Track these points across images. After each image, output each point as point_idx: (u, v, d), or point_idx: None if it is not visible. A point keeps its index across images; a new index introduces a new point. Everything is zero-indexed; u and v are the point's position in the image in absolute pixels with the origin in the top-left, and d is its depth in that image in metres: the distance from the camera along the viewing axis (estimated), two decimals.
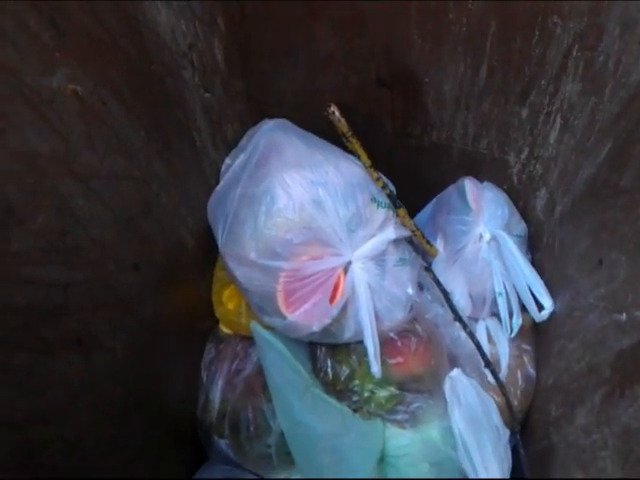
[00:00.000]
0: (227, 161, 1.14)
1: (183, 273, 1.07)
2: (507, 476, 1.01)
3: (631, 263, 0.73)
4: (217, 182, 1.12)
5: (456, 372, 1.02)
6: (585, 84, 0.89)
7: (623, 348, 0.72)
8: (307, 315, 1.01)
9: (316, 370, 1.13)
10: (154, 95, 0.88)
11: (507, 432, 1.01)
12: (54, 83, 0.65)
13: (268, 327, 1.07)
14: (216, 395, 1.15)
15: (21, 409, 0.65)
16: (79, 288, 0.73)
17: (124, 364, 0.86)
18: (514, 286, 1.11)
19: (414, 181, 1.13)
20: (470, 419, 1.00)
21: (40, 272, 0.66)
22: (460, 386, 1.00)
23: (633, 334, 0.70)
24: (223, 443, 1.13)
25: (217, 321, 1.23)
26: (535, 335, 1.14)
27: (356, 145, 1.01)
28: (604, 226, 0.84)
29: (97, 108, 0.73)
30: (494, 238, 1.10)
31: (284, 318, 1.02)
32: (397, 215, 1.05)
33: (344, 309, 1.03)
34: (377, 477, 1.05)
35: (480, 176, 1.17)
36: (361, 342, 1.08)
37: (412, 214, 1.08)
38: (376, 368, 1.01)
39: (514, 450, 1.03)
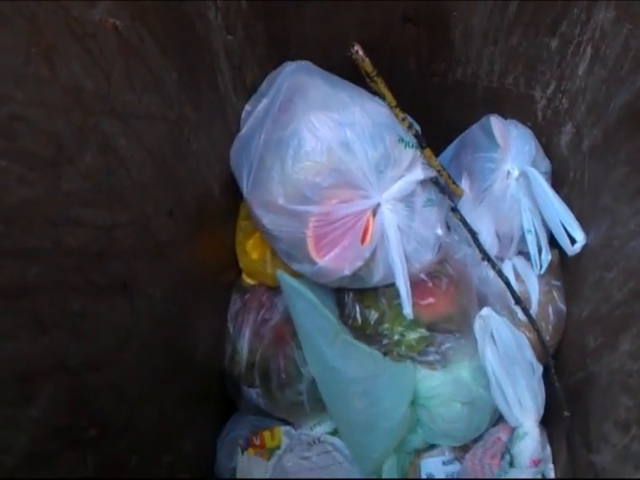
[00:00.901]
0: (247, 108, 1.12)
1: (210, 222, 1.06)
2: (541, 410, 1.02)
3: None
4: (239, 129, 1.10)
5: (487, 310, 1.02)
6: (619, 11, 0.88)
7: None
8: (338, 259, 1.01)
9: (344, 317, 1.13)
10: (185, 36, 0.86)
11: (540, 367, 1.02)
12: (96, 16, 0.63)
13: (295, 275, 1.06)
14: (244, 345, 1.15)
15: (76, 354, 0.65)
16: (122, 231, 0.73)
17: (162, 312, 0.87)
18: (542, 223, 1.11)
19: (436, 122, 1.11)
20: (504, 355, 1.01)
21: (87, 213, 0.66)
22: (493, 323, 1.00)
23: None
24: (253, 392, 1.13)
25: (241, 273, 1.23)
26: (563, 271, 1.14)
27: (381, 85, 1.00)
28: None
29: (135, 44, 0.72)
30: (522, 174, 1.09)
31: (314, 264, 1.02)
32: (423, 155, 1.04)
33: (373, 252, 1.02)
34: (410, 419, 1.06)
35: (504, 114, 1.16)
36: (389, 286, 1.08)
37: (434, 155, 1.07)
38: (408, 309, 1.01)
39: (547, 385, 1.04)
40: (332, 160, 0.96)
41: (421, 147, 1.03)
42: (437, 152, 1.09)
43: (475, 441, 1.10)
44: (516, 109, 1.16)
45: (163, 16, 0.78)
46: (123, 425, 0.76)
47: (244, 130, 1.09)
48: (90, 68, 0.63)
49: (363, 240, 1.00)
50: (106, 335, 0.71)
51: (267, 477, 1.06)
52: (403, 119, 1.01)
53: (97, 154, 0.66)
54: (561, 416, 1.00)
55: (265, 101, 1.06)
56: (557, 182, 1.14)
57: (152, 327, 0.83)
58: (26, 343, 0.57)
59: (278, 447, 1.11)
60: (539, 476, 1.01)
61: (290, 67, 1.07)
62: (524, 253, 1.16)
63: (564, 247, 1.05)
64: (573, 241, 1.04)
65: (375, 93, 1.02)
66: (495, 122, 1.13)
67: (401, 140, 1.01)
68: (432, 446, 1.12)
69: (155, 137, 0.80)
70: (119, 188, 0.71)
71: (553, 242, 1.12)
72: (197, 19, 0.89)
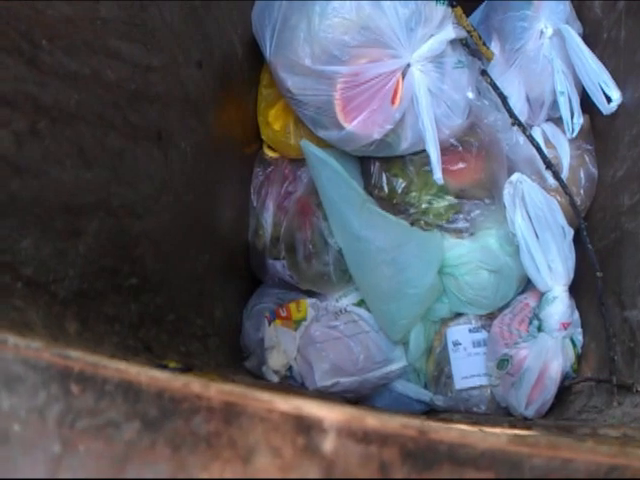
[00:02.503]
0: None
1: (235, 83, 1.05)
2: (571, 274, 1.02)
3: None
4: None
5: (518, 175, 1.01)
6: None
7: None
8: (367, 123, 0.98)
9: (370, 187, 1.11)
10: None
11: (571, 231, 1.01)
12: None
13: (319, 145, 1.03)
14: (268, 219, 1.14)
15: (117, 196, 0.64)
16: (156, 75, 0.72)
17: (193, 169, 0.86)
18: (575, 85, 1.08)
19: None
20: (535, 218, 1.00)
21: (125, 48, 0.64)
22: (525, 186, 0.99)
23: None
24: (279, 264, 1.12)
25: (263, 145, 1.20)
26: (595, 135, 1.12)
27: None
28: None
29: None
30: (556, 33, 1.05)
31: (342, 129, 0.99)
32: (454, 14, 1.00)
33: (402, 118, 0.99)
34: (437, 287, 1.06)
35: None
36: (417, 153, 1.06)
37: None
38: (439, 174, 0.99)
39: (577, 250, 1.03)
40: (361, 17, 0.92)
41: (452, 5, 0.99)
42: (466, 14, 1.04)
43: (501, 310, 1.10)
44: None
45: None
46: (160, 280, 0.76)
47: None
48: None
49: (393, 102, 0.97)
50: (143, 181, 0.71)
51: (295, 346, 1.07)
52: None
53: None
54: (591, 280, 0.99)
55: None
56: (589, 44, 1.08)
57: (183, 184, 0.82)
58: (71, 174, 0.56)
59: (304, 319, 1.11)
60: (567, 340, 1.02)
61: None
62: (553, 119, 1.13)
63: (600, 106, 1.02)
64: (609, 100, 1.01)
65: None
66: None
67: None
68: (458, 315, 1.12)
69: None
70: (152, 26, 0.70)
71: (583, 107, 1.09)
72: None
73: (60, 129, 0.53)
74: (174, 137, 0.77)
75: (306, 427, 0.32)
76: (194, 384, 0.31)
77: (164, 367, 0.43)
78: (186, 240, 0.85)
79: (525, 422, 0.84)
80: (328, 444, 0.31)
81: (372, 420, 0.32)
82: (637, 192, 0.92)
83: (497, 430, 0.59)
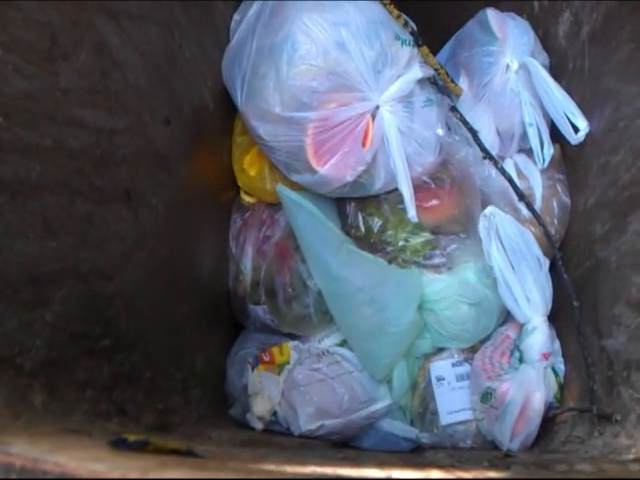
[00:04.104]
0: (236, 17, 1.09)
1: (207, 135, 1.05)
2: (549, 304, 1.03)
3: None
4: (229, 40, 1.07)
5: (491, 208, 1.02)
6: None
7: None
8: (339, 166, 0.99)
9: (347, 227, 1.12)
10: None
11: (547, 261, 1.02)
12: None
13: (294, 188, 1.05)
14: (247, 264, 1.14)
15: (85, 261, 0.65)
16: (122, 137, 0.72)
17: (166, 224, 0.86)
18: (543, 116, 1.09)
19: (430, 21, 1.07)
20: (510, 252, 1.01)
21: (86, 114, 0.65)
22: (498, 220, 1.00)
23: None
24: (260, 309, 1.12)
25: (240, 191, 1.21)
26: (566, 163, 1.14)
27: None
28: None
29: None
30: (522, 67, 1.07)
31: (315, 173, 1.00)
32: (420, 54, 1.02)
33: (374, 158, 1.01)
34: (417, 324, 1.07)
35: (498, 7, 1.13)
36: (391, 192, 1.07)
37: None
38: (413, 212, 1.00)
39: (553, 279, 1.04)
40: (328, 62, 0.93)
41: (418, 45, 1.01)
42: (433, 52, 1.06)
43: (483, 342, 1.11)
44: (511, 1, 1.14)
45: None
46: (136, 337, 0.76)
47: (234, 40, 1.05)
48: None
49: (364, 144, 0.99)
50: (113, 243, 0.70)
51: (279, 391, 1.07)
52: (398, 16, 0.99)
53: (92, 53, 0.65)
54: (569, 308, 1.00)
55: (255, 7, 1.03)
56: (556, 75, 1.11)
57: (157, 239, 0.82)
58: (35, 245, 0.56)
59: (287, 362, 1.11)
60: (549, 370, 1.02)
61: None
62: (525, 150, 1.15)
63: (567, 136, 1.04)
64: (576, 130, 1.03)
65: None
66: (492, 14, 1.10)
67: (397, 38, 0.98)
68: (441, 349, 1.13)
69: (148, 40, 0.78)
70: (115, 91, 0.70)
71: (554, 137, 1.11)
72: None
73: (21, 202, 0.53)
74: (144, 195, 0.78)
75: None
76: (131, 473, 0.32)
77: (123, 441, 0.43)
78: (163, 294, 0.85)
79: (505, 460, 0.84)
80: None
81: None
82: (608, 220, 0.93)
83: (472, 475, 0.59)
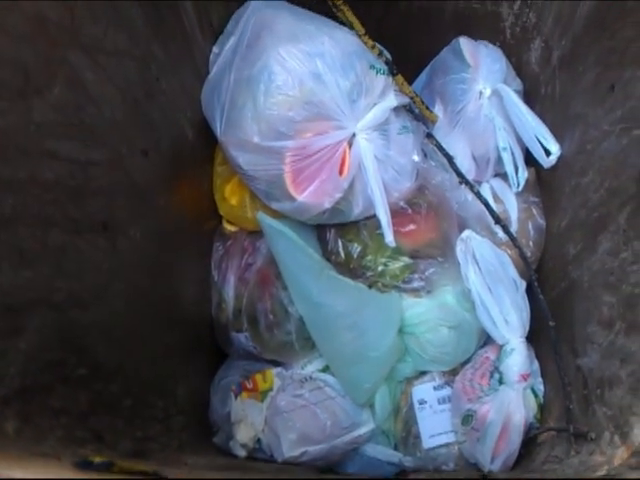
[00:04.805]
0: (215, 50, 1.11)
1: (186, 166, 1.06)
2: (527, 325, 1.04)
3: None
4: (207, 73, 1.09)
5: (468, 232, 1.04)
6: None
7: None
8: (317, 193, 1.01)
9: (327, 253, 1.14)
10: None
11: (524, 283, 1.04)
12: None
13: (275, 215, 1.06)
14: (230, 292, 1.15)
15: (60, 290, 0.65)
16: (98, 169, 0.73)
17: (145, 254, 0.87)
18: (517, 141, 1.12)
19: (405, 50, 1.10)
20: (487, 274, 1.02)
21: (62, 147, 0.66)
22: (474, 243, 1.02)
23: None
24: (242, 337, 1.13)
25: (221, 220, 1.22)
26: (541, 187, 1.16)
27: (348, 13, 1.00)
28: (613, 50, 0.85)
29: None
30: (495, 93, 1.10)
31: (294, 200, 1.02)
32: (395, 82, 1.04)
33: (352, 185, 1.03)
34: (398, 348, 1.08)
35: (472, 35, 1.16)
36: (370, 218, 1.09)
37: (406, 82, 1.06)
38: (390, 237, 1.02)
39: (531, 300, 1.06)
40: (304, 92, 0.95)
41: (392, 74, 1.03)
42: (408, 80, 1.08)
43: (464, 364, 1.12)
44: (484, 29, 1.16)
45: None
46: (114, 366, 0.76)
47: (213, 72, 1.08)
48: None
49: (341, 172, 1.01)
50: (89, 273, 0.71)
51: (262, 418, 1.07)
52: (373, 47, 1.01)
53: (66, 87, 0.66)
54: (547, 329, 1.01)
55: (232, 40, 1.05)
56: (529, 100, 1.15)
57: (135, 270, 0.83)
58: (9, 275, 0.57)
59: (271, 389, 1.11)
60: (528, 390, 1.03)
61: (255, 3, 1.05)
62: (501, 175, 1.18)
63: (540, 160, 1.07)
64: (548, 153, 1.06)
65: (343, 23, 1.01)
66: (464, 43, 1.13)
67: (372, 67, 1.01)
68: (422, 373, 1.14)
69: (124, 74, 0.79)
70: (90, 124, 0.71)
71: (529, 161, 1.14)
72: None
73: None
74: (122, 225, 0.79)
75: None
76: None
77: (88, 463, 0.44)
78: (143, 324, 0.86)
79: None
80: None
81: None
82: (580, 241, 0.95)
83: None
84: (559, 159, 1.05)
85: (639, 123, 0.77)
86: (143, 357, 0.86)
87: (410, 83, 1.10)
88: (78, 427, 0.65)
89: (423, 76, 1.25)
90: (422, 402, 1.10)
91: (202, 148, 1.12)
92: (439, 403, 1.10)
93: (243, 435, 1.04)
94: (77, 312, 0.68)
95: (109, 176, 0.75)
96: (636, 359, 0.74)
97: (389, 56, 1.03)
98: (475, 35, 1.17)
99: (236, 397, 1.09)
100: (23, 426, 0.55)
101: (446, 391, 1.11)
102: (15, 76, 0.57)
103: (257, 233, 1.15)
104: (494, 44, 1.17)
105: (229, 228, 1.20)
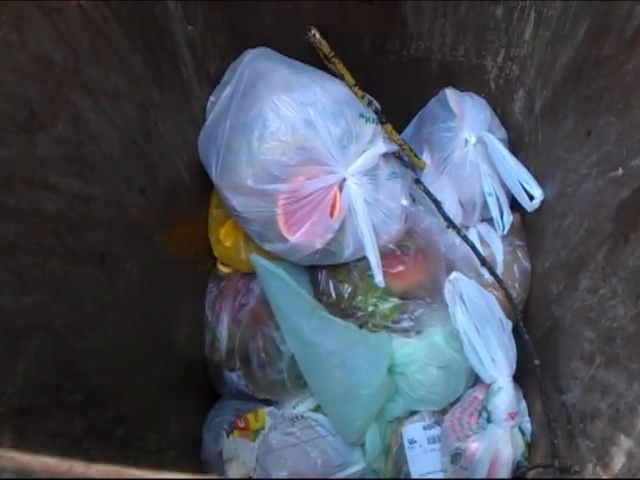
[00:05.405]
0: (211, 99, 1.16)
1: (182, 207, 1.09)
2: (513, 365, 1.06)
3: (621, 120, 0.79)
4: (204, 120, 1.13)
5: (455, 274, 1.06)
6: None
7: (623, 199, 0.77)
8: (308, 234, 1.04)
9: (319, 294, 1.16)
10: (146, 22, 0.90)
11: (510, 323, 1.06)
12: None
13: (269, 257, 1.09)
14: (223, 332, 1.17)
15: (57, 317, 0.68)
16: (97, 203, 0.76)
17: (140, 289, 0.89)
18: (502, 186, 1.16)
19: (395, 100, 1.16)
20: (474, 314, 1.04)
21: (63, 181, 0.69)
22: (461, 284, 1.04)
23: (631, 182, 0.75)
24: (235, 376, 1.15)
25: (216, 262, 1.26)
26: (526, 230, 1.20)
27: (339, 65, 1.05)
28: (589, 99, 0.89)
29: (99, 23, 0.75)
30: (480, 141, 1.15)
31: (286, 241, 1.05)
32: (384, 131, 1.09)
33: (342, 227, 1.06)
34: (388, 386, 1.09)
35: (459, 87, 1.21)
36: (360, 260, 1.12)
37: (395, 131, 1.11)
38: (380, 278, 1.05)
39: (517, 340, 1.08)
40: (297, 138, 0.99)
41: (381, 123, 1.08)
42: (397, 129, 1.13)
43: (453, 404, 1.13)
44: (470, 81, 1.21)
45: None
46: (109, 395, 0.78)
47: (209, 119, 1.12)
48: (57, 41, 0.67)
49: (331, 214, 1.04)
50: (85, 302, 0.74)
51: (254, 456, 1.08)
52: (363, 97, 1.06)
53: (68, 125, 0.69)
54: (533, 368, 1.03)
55: (228, 89, 1.10)
56: (515, 148, 1.20)
57: (130, 302, 0.85)
58: (9, 299, 0.60)
59: (262, 428, 1.13)
60: (516, 429, 1.04)
61: (250, 54, 1.11)
62: (487, 220, 1.21)
63: (523, 204, 1.11)
64: (532, 198, 1.10)
65: (334, 74, 1.07)
66: (450, 93, 1.18)
67: (362, 116, 1.05)
68: (412, 413, 1.15)
69: (123, 116, 0.83)
70: (91, 160, 0.75)
71: (514, 206, 1.17)
72: (157, 6, 0.93)
73: None
74: (119, 259, 0.82)
75: None
76: (77, 465, 0.35)
77: None
78: (137, 356, 0.88)
79: None
80: None
81: None
82: (562, 280, 0.98)
83: None
84: (542, 203, 1.09)
85: (613, 165, 0.80)
86: (137, 388, 0.88)
87: (399, 132, 1.14)
88: (73, 451, 0.66)
89: (411, 125, 1.30)
90: (412, 442, 1.11)
91: (198, 192, 1.16)
92: (429, 442, 1.11)
93: (235, 473, 1.05)
94: (74, 339, 0.71)
95: (108, 210, 0.79)
96: (615, 391, 0.76)
97: (378, 105, 1.08)
98: (461, 87, 1.22)
99: (228, 436, 1.10)
100: (19, 441, 0.57)
101: (436, 430, 1.12)
102: (21, 111, 0.61)
103: (250, 274, 1.18)
104: (480, 95, 1.22)
105: (223, 269, 1.23)
